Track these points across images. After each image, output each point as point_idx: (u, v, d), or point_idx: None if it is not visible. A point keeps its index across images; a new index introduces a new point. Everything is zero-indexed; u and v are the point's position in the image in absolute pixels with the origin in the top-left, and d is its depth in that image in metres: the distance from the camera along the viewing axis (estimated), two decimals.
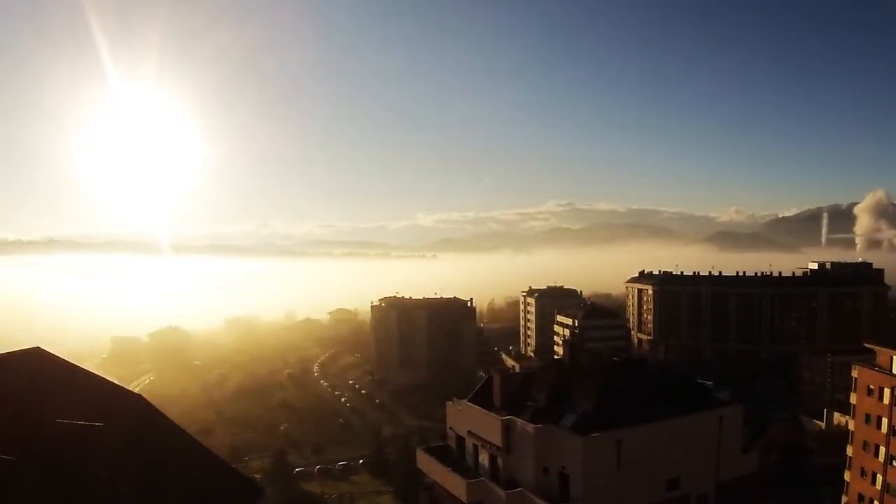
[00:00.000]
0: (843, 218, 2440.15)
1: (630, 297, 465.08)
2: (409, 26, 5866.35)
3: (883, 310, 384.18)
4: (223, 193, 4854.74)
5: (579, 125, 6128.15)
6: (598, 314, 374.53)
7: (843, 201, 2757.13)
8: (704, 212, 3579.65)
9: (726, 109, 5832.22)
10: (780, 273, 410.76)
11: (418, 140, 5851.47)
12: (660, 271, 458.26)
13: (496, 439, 76.12)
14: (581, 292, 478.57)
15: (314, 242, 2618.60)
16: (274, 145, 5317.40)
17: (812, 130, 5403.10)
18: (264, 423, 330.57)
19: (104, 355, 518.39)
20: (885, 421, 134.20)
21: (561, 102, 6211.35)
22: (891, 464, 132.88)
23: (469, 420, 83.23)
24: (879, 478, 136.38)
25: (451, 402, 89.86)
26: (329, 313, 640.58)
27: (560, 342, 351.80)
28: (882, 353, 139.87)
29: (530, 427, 72.91)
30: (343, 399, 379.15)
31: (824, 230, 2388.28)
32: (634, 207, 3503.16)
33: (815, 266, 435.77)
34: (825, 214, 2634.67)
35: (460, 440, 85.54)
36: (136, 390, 50.94)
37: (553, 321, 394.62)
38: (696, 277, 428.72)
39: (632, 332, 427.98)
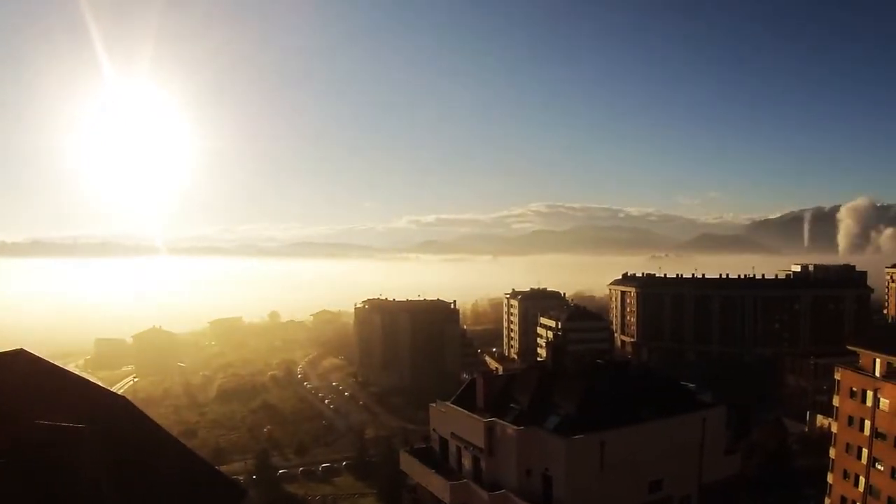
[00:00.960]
0: (825, 221, 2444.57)
1: (613, 299, 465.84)
2: (398, 27, 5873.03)
3: (866, 312, 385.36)
4: (206, 195, 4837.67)
5: (563, 126, 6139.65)
6: (581, 316, 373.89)
7: (826, 204, 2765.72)
8: (688, 214, 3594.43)
9: (710, 113, 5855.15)
10: (762, 275, 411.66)
11: (402, 142, 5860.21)
12: (643, 273, 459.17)
13: (479, 441, 76.10)
14: (564, 294, 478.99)
15: (297, 244, 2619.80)
16: (258, 148, 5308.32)
17: (795, 133, 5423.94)
18: (248, 425, 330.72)
19: (88, 357, 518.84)
20: (867, 423, 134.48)
21: (547, 103, 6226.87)
22: (873, 466, 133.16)
23: (452, 422, 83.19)
24: (862, 480, 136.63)
25: (434, 404, 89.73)
26: (312, 315, 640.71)
27: (543, 344, 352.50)
28: (865, 355, 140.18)
29: (513, 429, 72.94)
30: (326, 401, 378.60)
31: (807, 233, 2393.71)
32: (617, 208, 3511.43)
33: (797, 268, 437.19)
34: (808, 217, 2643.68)
35: (443, 442, 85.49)
36: (120, 392, 50.97)
37: (536, 323, 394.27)
38: (678, 280, 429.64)
39: (615, 334, 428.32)
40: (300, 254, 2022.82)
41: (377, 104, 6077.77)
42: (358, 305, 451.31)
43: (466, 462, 79.82)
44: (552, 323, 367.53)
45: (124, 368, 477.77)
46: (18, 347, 40.43)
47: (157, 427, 43.31)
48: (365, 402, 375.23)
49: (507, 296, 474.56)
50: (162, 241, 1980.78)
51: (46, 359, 41.19)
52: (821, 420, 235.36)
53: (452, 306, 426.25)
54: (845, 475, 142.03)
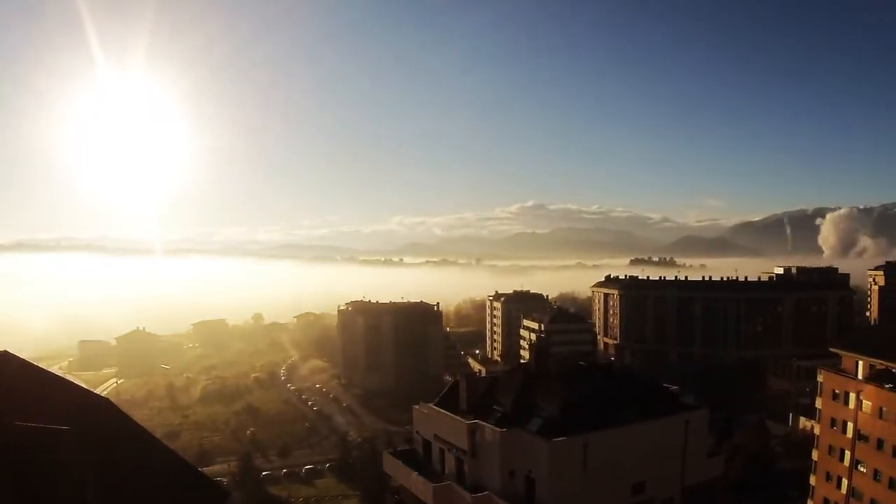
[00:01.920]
0: (808, 223, 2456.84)
1: (596, 301, 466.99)
2: (386, 25, 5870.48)
3: (848, 314, 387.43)
4: (191, 197, 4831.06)
5: (548, 128, 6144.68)
6: (564, 318, 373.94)
7: (809, 206, 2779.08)
8: (671, 216, 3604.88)
9: (694, 115, 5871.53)
10: (745, 278, 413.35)
11: (389, 144, 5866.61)
12: (626, 276, 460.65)
13: (462, 443, 76.25)
14: (547, 296, 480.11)
15: (282, 246, 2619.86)
16: (243, 151, 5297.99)
17: (779, 137, 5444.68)
18: (231, 427, 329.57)
19: (71, 359, 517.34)
20: (850, 425, 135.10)
21: (532, 103, 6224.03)
22: (856, 468, 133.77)
23: (435, 424, 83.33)
24: (845, 482, 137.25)
25: (417, 406, 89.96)
26: (296, 317, 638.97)
27: (526, 346, 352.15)
28: (847, 357, 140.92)
29: (496, 431, 73.10)
30: (310, 403, 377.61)
31: (790, 235, 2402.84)
32: (601, 210, 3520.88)
33: (780, 271, 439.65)
34: (790, 220, 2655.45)
35: (427, 444, 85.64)
36: (103, 394, 50.85)
37: (519, 325, 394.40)
38: (661, 282, 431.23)
39: (598, 336, 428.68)
40: (285, 256, 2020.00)
41: (362, 105, 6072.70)
42: (341, 307, 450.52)
43: (449, 464, 79.99)
44: (535, 325, 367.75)
45: (106, 371, 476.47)
46: (1, 350, 40.31)
47: (141, 429, 43.17)
48: (348, 403, 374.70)
49: (491, 298, 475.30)
50: (146, 242, 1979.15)
51: (29, 360, 41.08)
52: (803, 422, 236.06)
53: (436, 308, 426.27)
54: (828, 477, 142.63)
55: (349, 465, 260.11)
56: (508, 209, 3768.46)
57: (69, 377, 51.75)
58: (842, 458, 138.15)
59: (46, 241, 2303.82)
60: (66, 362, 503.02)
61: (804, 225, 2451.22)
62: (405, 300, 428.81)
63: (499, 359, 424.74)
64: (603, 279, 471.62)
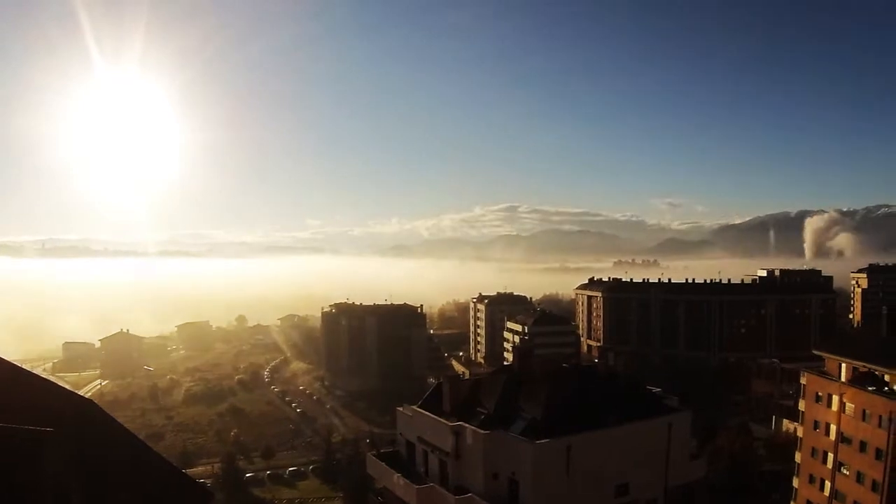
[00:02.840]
0: (792, 226, 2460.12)
1: (580, 303, 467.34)
2: (378, 25, 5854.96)
3: (832, 317, 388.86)
4: (175, 199, 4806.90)
5: (534, 130, 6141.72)
6: (547, 321, 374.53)
7: (792, 209, 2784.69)
8: (654, 218, 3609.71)
9: (676, 117, 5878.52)
10: (729, 280, 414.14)
11: (375, 145, 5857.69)
12: (609, 278, 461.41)
13: (446, 445, 76.17)
14: (531, 298, 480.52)
15: (267, 248, 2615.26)
16: (231, 152, 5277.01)
17: (761, 140, 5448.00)
18: (214, 429, 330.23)
19: (56, 360, 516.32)
20: (833, 428, 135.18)
21: (514, 105, 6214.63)
22: (839, 470, 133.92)
23: (419, 426, 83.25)
24: (828, 484, 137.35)
25: (401, 408, 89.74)
26: (280, 319, 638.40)
27: (510, 348, 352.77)
28: (830, 360, 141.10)
29: (480, 433, 73.01)
30: (293, 405, 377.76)
31: (773, 238, 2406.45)
32: (584, 211, 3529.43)
33: (764, 273, 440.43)
34: (774, 222, 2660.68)
35: (410, 446, 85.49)
36: (87, 395, 50.75)
37: (503, 327, 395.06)
38: (645, 284, 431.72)
39: (581, 338, 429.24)
40: (270, 257, 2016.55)
41: (355, 105, 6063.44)
42: (325, 309, 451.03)
43: (433, 466, 79.81)
44: (519, 327, 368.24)
45: (89, 372, 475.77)
46: None
47: (124, 430, 43.12)
48: (332, 405, 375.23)
49: (474, 300, 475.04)
50: (132, 244, 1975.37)
51: (12, 361, 41.04)
52: (787, 424, 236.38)
53: (419, 310, 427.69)
54: (811, 479, 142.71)
55: (333, 466, 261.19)
56: (492, 210, 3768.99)
57: (53, 379, 51.29)
58: (825, 461, 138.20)
59: (32, 243, 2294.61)
60: (50, 364, 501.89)
61: (787, 227, 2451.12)
62: (389, 302, 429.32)
63: (482, 361, 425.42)
64: (586, 281, 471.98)
